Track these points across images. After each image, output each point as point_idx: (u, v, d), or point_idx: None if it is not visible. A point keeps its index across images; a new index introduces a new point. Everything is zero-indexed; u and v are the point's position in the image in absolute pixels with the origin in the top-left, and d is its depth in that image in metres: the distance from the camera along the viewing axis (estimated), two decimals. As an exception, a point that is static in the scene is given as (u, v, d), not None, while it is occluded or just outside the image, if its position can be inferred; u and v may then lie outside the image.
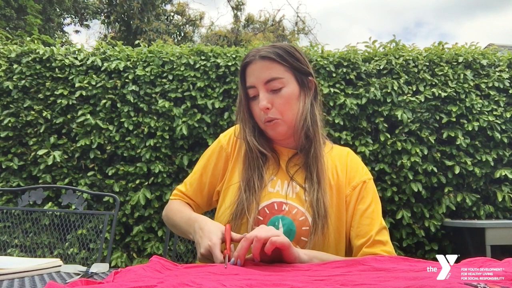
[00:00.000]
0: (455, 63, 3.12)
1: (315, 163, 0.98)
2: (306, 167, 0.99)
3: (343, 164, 1.03)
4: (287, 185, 0.99)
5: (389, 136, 2.97)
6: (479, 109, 3.00)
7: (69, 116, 2.99)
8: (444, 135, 2.97)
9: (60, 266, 0.92)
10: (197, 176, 1.09)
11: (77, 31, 13.02)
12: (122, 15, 11.01)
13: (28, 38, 3.42)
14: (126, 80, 3.03)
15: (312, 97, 1.01)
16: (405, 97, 3.00)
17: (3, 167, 2.90)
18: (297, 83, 0.99)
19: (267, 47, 0.99)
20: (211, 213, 1.31)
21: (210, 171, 1.07)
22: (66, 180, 2.90)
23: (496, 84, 3.06)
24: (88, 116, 2.93)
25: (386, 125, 2.98)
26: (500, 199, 2.89)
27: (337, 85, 3.04)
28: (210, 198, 1.09)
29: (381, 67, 3.07)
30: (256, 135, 1.01)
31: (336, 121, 2.94)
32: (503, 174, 2.89)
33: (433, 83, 3.05)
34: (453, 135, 2.96)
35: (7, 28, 7.89)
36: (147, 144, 2.94)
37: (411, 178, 2.89)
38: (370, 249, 0.93)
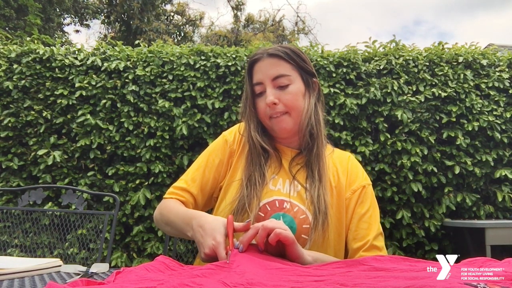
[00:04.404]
0: (455, 63, 3.12)
1: (317, 162, 1.00)
2: (307, 165, 1.01)
3: (344, 168, 1.05)
4: (289, 184, 1.00)
5: (389, 136, 2.97)
6: (479, 109, 3.00)
7: (69, 116, 2.99)
8: (444, 135, 2.97)
9: (60, 266, 0.92)
10: (200, 172, 1.05)
11: (77, 31, 13.02)
12: (122, 15, 11.01)
13: (28, 38, 3.42)
14: (126, 80, 3.03)
15: (316, 98, 1.04)
16: (405, 97, 3.00)
17: (3, 167, 2.90)
18: (302, 82, 1.02)
19: (274, 46, 1.03)
20: (209, 211, 1.30)
21: (215, 167, 1.06)
22: (66, 180, 2.90)
23: (496, 84, 3.06)
24: (88, 116, 2.93)
25: (386, 125, 2.98)
26: (500, 199, 2.89)
27: (337, 85, 3.04)
28: (211, 195, 1.07)
29: (381, 67, 3.07)
30: (259, 132, 1.02)
31: (336, 121, 2.94)
32: (503, 174, 2.88)
33: (433, 83, 3.05)
34: (453, 135, 2.96)
35: (7, 28, 7.88)
36: (147, 144, 2.94)
37: (411, 178, 2.89)
38: (367, 253, 0.94)
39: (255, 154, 1.01)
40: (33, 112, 2.97)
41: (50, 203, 2.83)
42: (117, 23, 11.24)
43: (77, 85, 2.99)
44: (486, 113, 3.01)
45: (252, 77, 1.02)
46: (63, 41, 10.05)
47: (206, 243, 0.76)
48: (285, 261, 0.73)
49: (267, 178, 0.99)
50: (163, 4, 12.65)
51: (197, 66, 3.04)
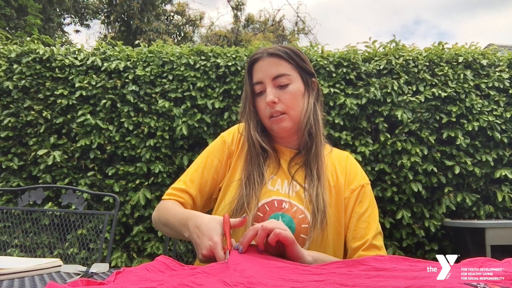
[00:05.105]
0: (455, 63, 3.12)
1: (316, 161, 1.00)
2: (306, 164, 1.01)
3: (342, 167, 1.05)
4: (287, 184, 1.00)
5: (389, 136, 2.97)
6: (479, 109, 3.00)
7: (69, 116, 2.99)
8: (444, 135, 2.97)
9: (60, 266, 0.92)
10: (198, 173, 1.05)
11: (77, 31, 13.02)
12: (122, 15, 11.01)
13: (28, 38, 3.42)
14: (126, 80, 3.03)
15: (315, 98, 1.04)
16: (405, 97, 3.00)
17: (3, 167, 2.90)
18: (302, 82, 1.02)
19: (274, 46, 1.03)
20: (208, 213, 1.30)
21: (213, 167, 1.05)
22: (66, 180, 2.90)
23: (496, 84, 3.06)
24: (88, 116, 2.93)
25: (386, 125, 2.98)
26: (500, 199, 2.89)
27: (337, 85, 3.04)
28: (210, 196, 1.07)
29: (381, 67, 3.07)
30: (259, 131, 1.02)
31: (336, 121, 2.94)
32: (503, 174, 2.88)
33: (433, 83, 3.05)
34: (453, 135, 2.96)
35: (7, 28, 7.88)
36: (147, 144, 2.94)
37: (411, 178, 2.89)
38: (366, 252, 0.94)
39: (254, 154, 1.01)
40: (33, 112, 2.97)
41: (50, 203, 2.83)
42: (117, 23, 11.24)
43: (77, 85, 2.99)
44: (486, 113, 3.01)
45: (252, 76, 1.03)
46: (63, 41, 10.05)
47: (203, 244, 0.76)
48: (285, 261, 0.73)
49: (266, 178, 0.99)
50: (163, 4, 12.65)
51: (197, 66, 3.04)
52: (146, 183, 2.91)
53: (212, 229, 0.77)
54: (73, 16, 11.97)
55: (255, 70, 1.02)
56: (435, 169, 2.92)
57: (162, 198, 1.06)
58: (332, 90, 2.99)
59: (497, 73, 3.09)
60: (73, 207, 1.67)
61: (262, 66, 1.00)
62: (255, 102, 1.03)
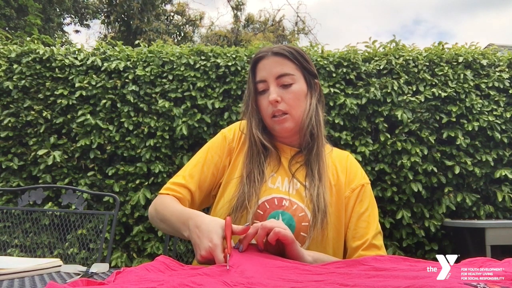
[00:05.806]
0: (455, 63, 3.12)
1: (317, 161, 1.00)
2: (307, 164, 1.01)
3: (343, 166, 1.05)
4: (288, 182, 1.00)
5: (389, 136, 2.97)
6: (479, 109, 3.00)
7: (69, 116, 2.99)
8: (444, 135, 2.97)
9: (60, 266, 0.92)
10: (198, 168, 1.04)
11: (77, 31, 13.02)
12: (122, 15, 11.01)
13: (28, 38, 3.42)
14: (126, 80, 3.03)
15: (317, 98, 1.05)
16: (405, 97, 3.00)
17: (3, 167, 2.90)
18: (305, 83, 1.03)
19: (279, 45, 1.03)
20: (205, 210, 1.30)
21: (213, 163, 1.05)
22: (66, 180, 2.90)
23: (496, 84, 3.06)
24: (88, 116, 2.93)
25: (386, 125, 2.98)
26: (500, 199, 2.89)
27: (337, 85, 3.04)
28: (209, 193, 1.05)
29: (381, 67, 3.07)
30: (260, 129, 1.02)
31: (336, 121, 2.94)
32: (503, 174, 2.88)
33: (433, 83, 3.05)
34: (453, 135, 2.96)
35: (7, 28, 7.89)
36: (147, 144, 2.94)
37: (411, 178, 2.89)
38: (366, 252, 0.94)
39: (255, 152, 1.01)
40: (33, 112, 2.97)
41: (50, 203, 2.83)
42: (117, 23, 11.24)
43: (77, 85, 2.99)
44: (486, 113, 3.01)
45: (256, 74, 1.03)
46: (63, 41, 10.05)
47: (203, 245, 0.75)
48: (285, 260, 0.73)
49: (266, 176, 0.99)
50: (163, 4, 12.66)
51: (197, 66, 3.04)
52: (146, 183, 2.91)
53: (213, 231, 0.75)
54: (73, 16, 11.98)
55: (259, 69, 1.02)
56: (435, 169, 2.92)
57: (160, 192, 1.03)
58: (332, 90, 2.99)
59: (497, 73, 3.09)
60: (73, 207, 1.67)
61: (266, 65, 1.00)
62: (258, 100, 1.03)
